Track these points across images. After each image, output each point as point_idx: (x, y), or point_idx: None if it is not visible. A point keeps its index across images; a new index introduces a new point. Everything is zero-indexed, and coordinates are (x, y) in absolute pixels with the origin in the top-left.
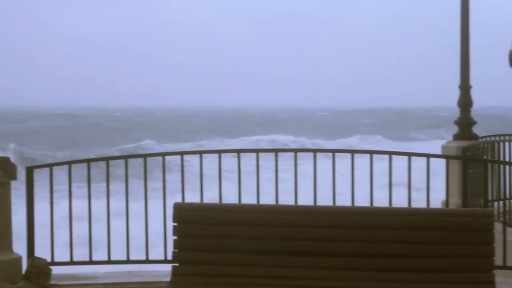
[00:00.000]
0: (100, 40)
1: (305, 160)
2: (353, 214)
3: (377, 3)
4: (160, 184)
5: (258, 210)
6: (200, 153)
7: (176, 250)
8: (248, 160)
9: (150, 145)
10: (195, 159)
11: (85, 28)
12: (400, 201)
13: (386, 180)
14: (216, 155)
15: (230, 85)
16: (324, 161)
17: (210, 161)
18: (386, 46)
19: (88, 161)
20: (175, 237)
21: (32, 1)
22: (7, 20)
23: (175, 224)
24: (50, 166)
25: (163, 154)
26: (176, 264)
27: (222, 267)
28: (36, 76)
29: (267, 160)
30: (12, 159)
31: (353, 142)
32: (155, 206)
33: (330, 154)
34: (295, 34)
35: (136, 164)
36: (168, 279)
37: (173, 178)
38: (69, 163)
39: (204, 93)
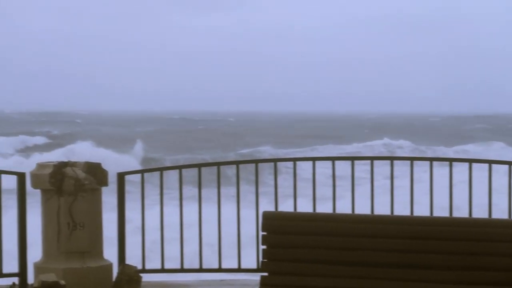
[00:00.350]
0: (214, 44)
1: (420, 168)
2: (427, 224)
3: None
4: (266, 189)
5: (349, 220)
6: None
7: (265, 260)
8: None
9: (267, 150)
10: (305, 164)
11: (204, 34)
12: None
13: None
14: (329, 162)
15: (342, 90)
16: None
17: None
18: (494, 50)
19: (180, 167)
20: (264, 247)
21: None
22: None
23: (264, 233)
24: (142, 172)
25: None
26: (265, 274)
27: (311, 278)
28: (148, 80)
29: (378, 166)
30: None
31: (472, 149)
32: (249, 212)
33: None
34: (402, 41)
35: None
36: None
37: (281, 183)
38: (161, 169)
39: (319, 98)
